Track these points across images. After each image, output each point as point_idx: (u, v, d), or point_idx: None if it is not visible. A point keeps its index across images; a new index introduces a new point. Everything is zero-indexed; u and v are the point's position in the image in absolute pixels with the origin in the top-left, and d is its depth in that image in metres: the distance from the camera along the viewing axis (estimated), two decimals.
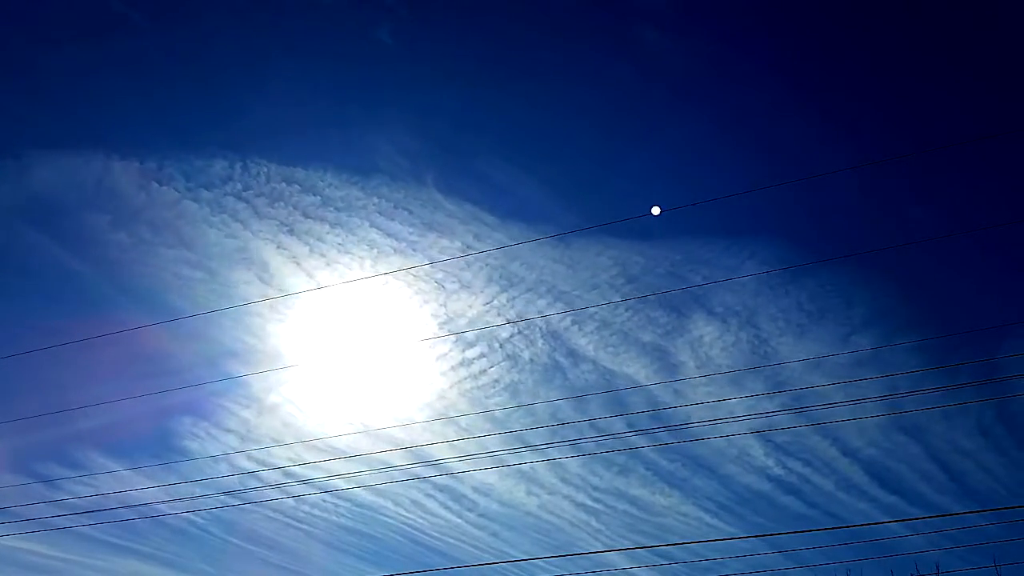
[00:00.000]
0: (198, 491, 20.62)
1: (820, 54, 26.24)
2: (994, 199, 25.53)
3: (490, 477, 26.01)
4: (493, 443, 26.93)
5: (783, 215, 28.23)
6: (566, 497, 30.99)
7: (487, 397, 30.10)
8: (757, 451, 28.36)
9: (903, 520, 14.82)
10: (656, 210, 16.29)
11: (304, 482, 21.36)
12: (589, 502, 30.92)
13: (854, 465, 29.09)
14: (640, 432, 26.56)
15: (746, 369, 28.96)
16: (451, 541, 32.34)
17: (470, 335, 29.95)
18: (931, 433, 27.42)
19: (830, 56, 26.12)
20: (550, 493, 30.83)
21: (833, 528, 14.07)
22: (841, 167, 27.60)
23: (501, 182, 28.08)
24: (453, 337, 29.44)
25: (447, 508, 31.55)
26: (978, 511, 12.54)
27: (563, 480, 30.15)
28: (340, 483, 21.17)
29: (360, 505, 30.44)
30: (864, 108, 26.76)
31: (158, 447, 30.01)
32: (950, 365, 16.46)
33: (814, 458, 28.30)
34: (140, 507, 20.40)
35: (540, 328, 30.15)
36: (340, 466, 23.36)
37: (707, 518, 30.20)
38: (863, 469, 29.15)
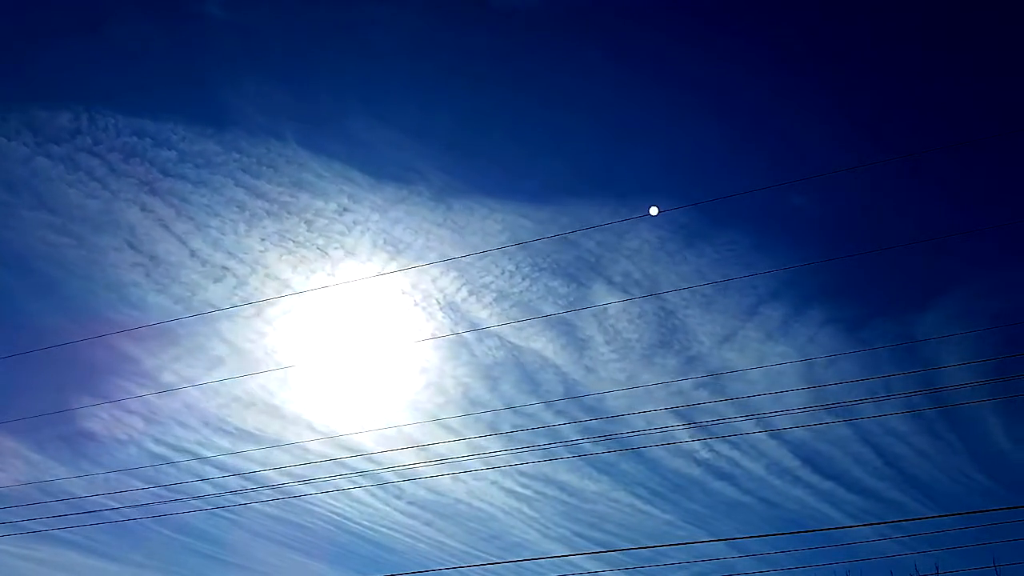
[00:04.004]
0: (114, 479, 20.63)
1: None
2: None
3: (409, 460, 24.50)
4: (409, 426, 25.32)
5: (670, 174, 27.52)
6: (493, 483, 29.89)
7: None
8: (681, 433, 28.32)
9: (898, 521, 14.94)
10: (654, 210, 15.91)
11: (221, 468, 20.92)
12: (518, 488, 29.98)
13: (783, 448, 28.69)
14: (552, 406, 25.77)
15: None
16: (383, 530, 31.07)
17: (367, 308, 27.81)
18: (858, 413, 28.17)
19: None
20: (475, 479, 29.67)
21: (827, 529, 13.83)
22: (731, 124, 26.95)
23: (368, 139, 26.55)
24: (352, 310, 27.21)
25: (373, 495, 30.07)
26: (974, 512, 12.55)
27: (486, 464, 28.93)
28: (256, 468, 19.60)
29: (284, 492, 28.21)
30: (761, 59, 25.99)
31: (63, 428, 28.34)
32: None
33: (741, 440, 28.17)
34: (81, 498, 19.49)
35: (438, 301, 28.54)
36: (256, 451, 21.47)
37: (640, 504, 30.00)
38: (792, 452, 28.65)
